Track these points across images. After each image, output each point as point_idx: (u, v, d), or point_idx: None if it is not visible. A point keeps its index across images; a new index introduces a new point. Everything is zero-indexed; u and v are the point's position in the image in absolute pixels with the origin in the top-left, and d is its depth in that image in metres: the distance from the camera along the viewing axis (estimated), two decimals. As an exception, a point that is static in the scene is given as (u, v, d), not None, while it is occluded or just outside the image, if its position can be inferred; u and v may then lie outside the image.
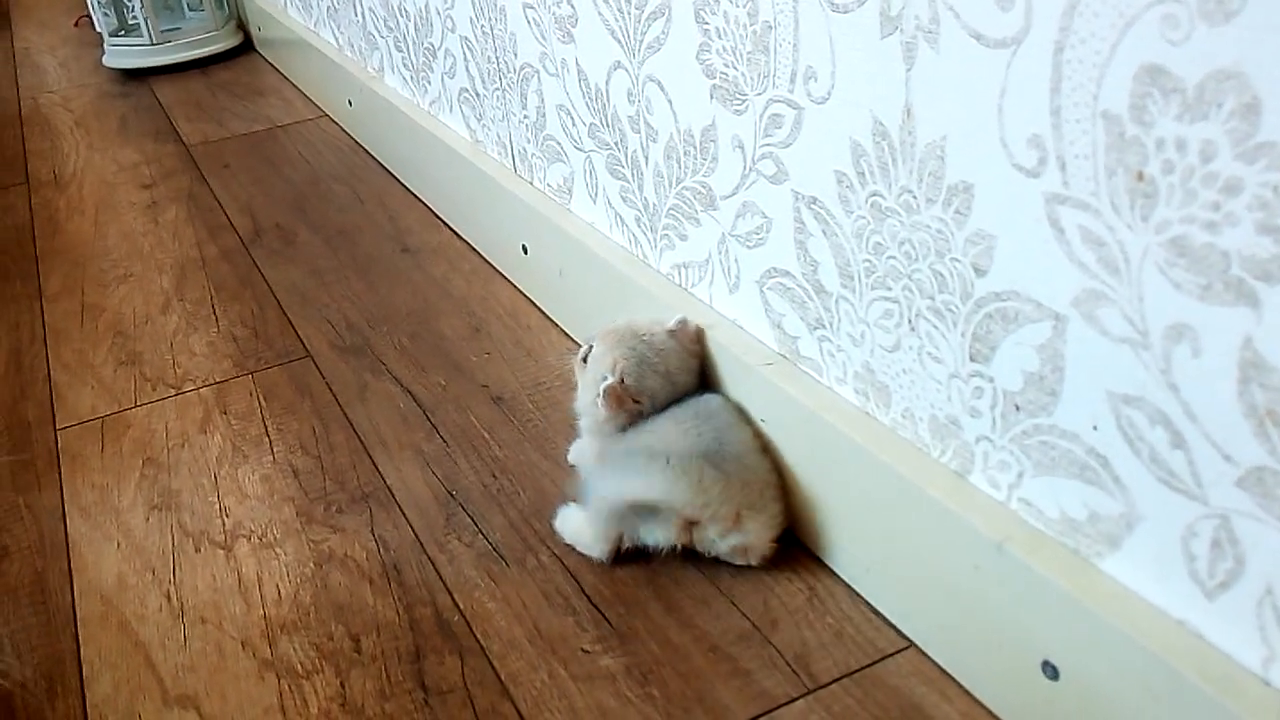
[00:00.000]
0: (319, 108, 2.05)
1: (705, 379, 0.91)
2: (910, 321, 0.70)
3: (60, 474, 1.07)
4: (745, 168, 0.82)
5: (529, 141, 1.20)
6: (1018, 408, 0.64)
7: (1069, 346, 0.59)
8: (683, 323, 0.90)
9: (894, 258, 0.69)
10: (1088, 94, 0.53)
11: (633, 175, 0.99)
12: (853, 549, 0.80)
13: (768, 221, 0.81)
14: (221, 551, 0.94)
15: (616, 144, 1.00)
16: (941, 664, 0.74)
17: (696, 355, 0.91)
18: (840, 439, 0.77)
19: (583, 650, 0.79)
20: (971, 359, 0.66)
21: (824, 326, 0.79)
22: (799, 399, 0.81)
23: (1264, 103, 0.45)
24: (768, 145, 0.78)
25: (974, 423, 0.68)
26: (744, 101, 0.79)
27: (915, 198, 0.65)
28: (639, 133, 0.95)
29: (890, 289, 0.71)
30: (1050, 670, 0.64)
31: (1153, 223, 0.51)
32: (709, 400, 0.88)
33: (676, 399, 0.89)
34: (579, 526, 0.88)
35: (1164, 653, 0.56)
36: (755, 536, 0.82)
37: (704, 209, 0.89)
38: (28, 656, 0.86)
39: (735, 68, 0.78)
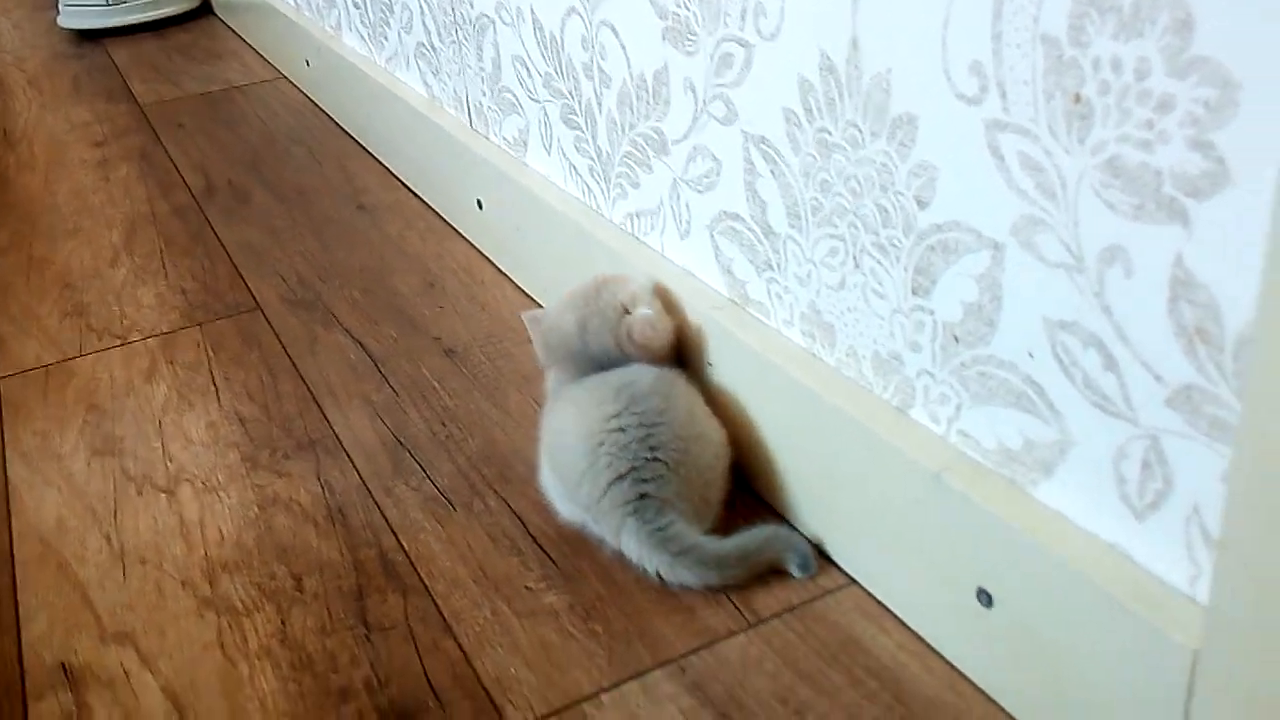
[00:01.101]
0: (276, 69, 2.03)
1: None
2: (855, 258, 0.70)
3: (1, 421, 1.06)
4: (696, 110, 0.82)
5: (485, 94, 1.20)
6: (957, 339, 0.64)
7: (1006, 275, 0.59)
8: (645, 321, 0.84)
9: (840, 194, 0.69)
10: (1028, 17, 0.53)
11: (587, 124, 0.99)
12: (798, 491, 0.81)
13: (718, 164, 0.81)
14: (164, 495, 0.93)
15: (571, 93, 1.00)
16: (881, 599, 0.75)
17: (642, 350, 0.84)
18: (786, 381, 0.78)
19: (526, 588, 0.79)
20: (913, 292, 0.66)
21: (772, 268, 0.79)
22: (747, 342, 0.81)
23: (1195, 17, 0.46)
24: (719, 86, 0.78)
25: (915, 357, 0.68)
26: (695, 42, 0.79)
27: (860, 132, 0.66)
28: (593, 79, 0.95)
29: (836, 226, 0.71)
30: (985, 598, 0.65)
31: (1089, 145, 0.52)
32: (640, 380, 0.80)
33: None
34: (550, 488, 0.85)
35: (1094, 576, 0.57)
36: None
37: (656, 154, 0.89)
38: (-38, 595, 0.84)
39: (687, 7, 0.78)
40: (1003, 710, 0.66)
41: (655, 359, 0.84)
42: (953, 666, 0.70)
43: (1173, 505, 0.54)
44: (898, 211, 0.65)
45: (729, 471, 0.82)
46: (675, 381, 0.82)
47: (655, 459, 0.76)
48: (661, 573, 0.76)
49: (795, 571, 0.77)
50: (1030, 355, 0.60)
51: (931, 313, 0.65)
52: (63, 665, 0.77)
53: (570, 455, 0.79)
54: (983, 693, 0.68)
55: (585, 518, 0.81)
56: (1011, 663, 0.64)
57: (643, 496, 0.76)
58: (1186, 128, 0.47)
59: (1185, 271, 0.50)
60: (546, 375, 0.91)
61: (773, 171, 0.75)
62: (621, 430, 0.77)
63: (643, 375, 0.81)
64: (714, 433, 0.81)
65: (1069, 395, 0.58)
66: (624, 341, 0.83)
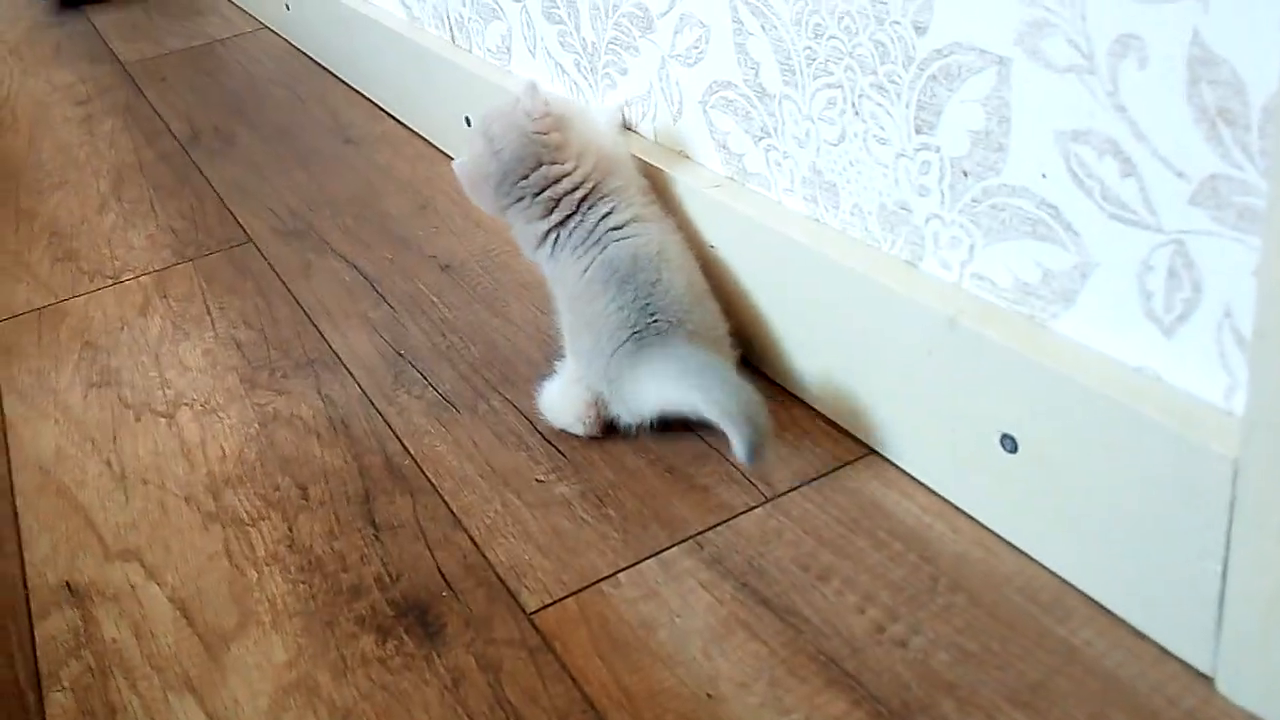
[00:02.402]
0: (257, 20, 1.99)
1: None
2: (854, 105, 0.67)
3: (-5, 363, 1.04)
4: (680, -25, 0.78)
5: (464, 5, 1.16)
6: (965, 173, 0.61)
7: (1014, 91, 0.56)
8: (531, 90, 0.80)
9: (835, 37, 0.66)
10: None
11: (569, 15, 0.96)
12: (810, 364, 0.78)
13: (706, 31, 0.78)
14: (163, 420, 0.91)
15: (551, -16, 0.96)
16: (900, 464, 0.72)
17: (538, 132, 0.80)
18: (792, 249, 0.75)
19: (536, 480, 0.77)
20: (917, 131, 0.63)
21: (769, 134, 0.76)
22: (749, 216, 0.78)
23: None
24: (701, -55, 0.75)
25: (923, 202, 0.65)
26: (675, -100, 0.75)
27: (852, -38, 0.63)
28: (573, -35, 0.92)
29: (832, 73, 0.68)
30: (1009, 443, 0.62)
31: (1093, -73, 0.49)
32: (624, 255, 0.76)
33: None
34: (558, 404, 0.81)
35: (1124, 400, 0.54)
36: None
37: (642, 33, 0.86)
38: (-37, 527, 0.83)
39: None
40: (1032, 559, 0.64)
41: (579, 148, 0.80)
42: (979, 522, 0.67)
43: (1202, 313, 0.52)
44: (896, 43, 0.62)
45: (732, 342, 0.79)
46: (666, 251, 0.77)
47: (655, 320, 0.74)
48: (688, 398, 0.71)
49: (739, 453, 0.69)
50: (1044, 176, 0.57)
51: (937, 150, 0.62)
52: (67, 584, 0.75)
53: (586, 352, 0.77)
54: (1011, 545, 0.65)
55: (610, 396, 0.77)
56: (1041, 507, 0.62)
57: (645, 342, 0.73)
58: (1199, -110, 0.44)
59: (1203, 49, 0.46)
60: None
61: (763, 26, 0.72)
62: (620, 309, 0.75)
63: (621, 254, 0.76)
64: (714, 305, 0.79)
65: (1086, 212, 0.55)
66: (525, 129, 0.79)
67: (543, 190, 0.80)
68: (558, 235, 0.80)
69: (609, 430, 0.79)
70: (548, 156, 0.79)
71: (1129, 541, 0.57)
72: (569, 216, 0.79)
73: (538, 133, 0.79)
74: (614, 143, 0.86)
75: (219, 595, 0.72)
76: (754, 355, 0.83)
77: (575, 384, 0.79)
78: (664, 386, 0.73)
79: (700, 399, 0.70)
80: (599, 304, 0.76)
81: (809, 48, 0.69)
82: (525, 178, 0.80)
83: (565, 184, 0.79)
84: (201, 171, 1.39)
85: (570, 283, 0.79)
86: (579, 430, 0.79)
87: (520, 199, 0.81)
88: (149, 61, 1.88)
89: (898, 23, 0.61)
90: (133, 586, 0.74)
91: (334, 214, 1.22)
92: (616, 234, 0.78)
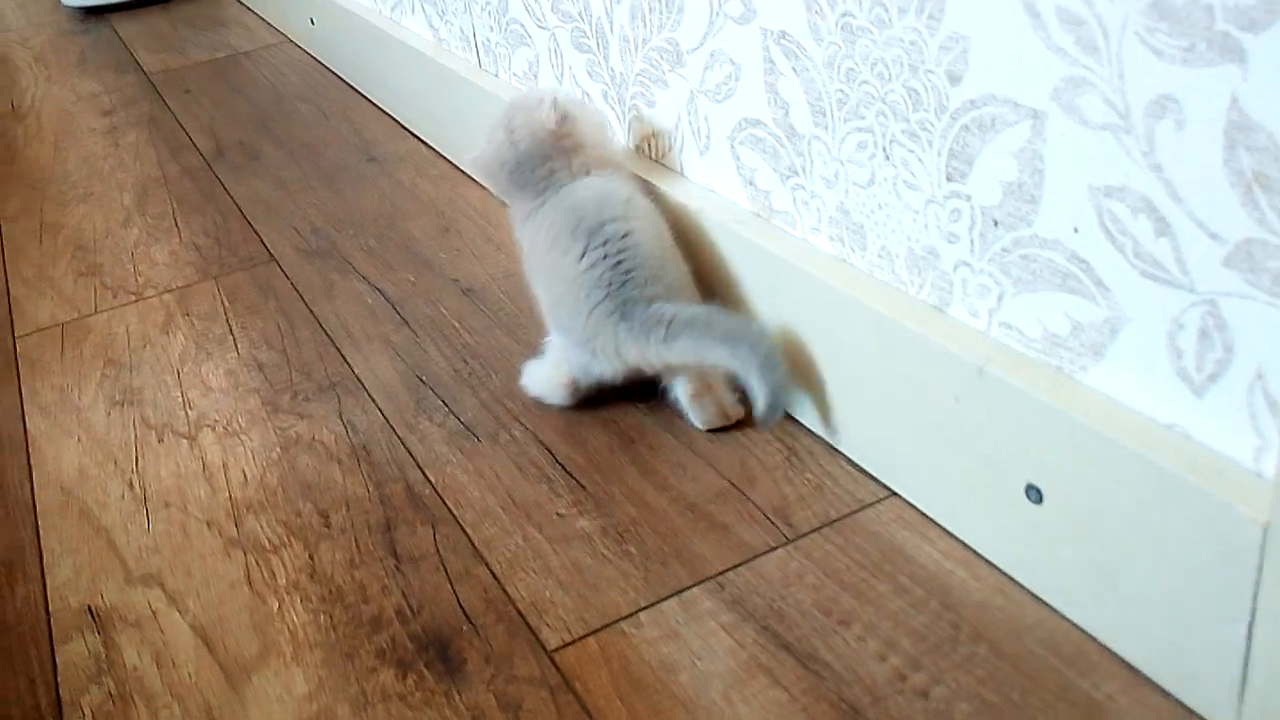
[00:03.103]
0: (281, 33, 2.00)
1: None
2: (885, 150, 0.67)
3: (19, 377, 1.04)
4: (711, 13, 0.79)
5: (492, 29, 1.17)
6: (996, 223, 0.61)
7: (1048, 145, 0.56)
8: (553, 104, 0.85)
9: (867, 82, 0.66)
10: None
11: (598, 45, 0.96)
12: (833, 404, 0.78)
13: (736, 69, 0.78)
14: (185, 441, 0.91)
15: (580, 14, 0.97)
16: (923, 509, 0.72)
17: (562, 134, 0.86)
18: (817, 288, 0.75)
19: (557, 514, 0.77)
20: (948, 179, 0.63)
21: (797, 173, 0.76)
22: (774, 252, 0.78)
23: None
24: (733, -16, 0.75)
25: (952, 249, 0.65)
26: (708, -60, 0.76)
27: (887, 9, 0.63)
28: (602, -3, 0.92)
29: (864, 118, 0.68)
30: (1034, 494, 0.62)
31: (1133, -11, 0.49)
32: (591, 197, 0.82)
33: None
34: (538, 376, 0.88)
35: (1153, 456, 0.54)
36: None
37: (671, 67, 0.86)
38: (-14, 546, 0.83)
39: (697, -97, 0.75)
40: (1055, 611, 0.64)
41: (587, 150, 0.86)
42: (1001, 571, 0.67)
43: (1234, 374, 0.51)
44: (929, 92, 0.62)
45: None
46: (634, 200, 0.83)
47: (630, 279, 0.78)
48: (666, 358, 0.77)
49: (758, 411, 0.75)
50: (1076, 230, 0.57)
51: (968, 198, 0.62)
52: (89, 608, 0.75)
53: (560, 307, 0.82)
54: (1033, 595, 0.65)
55: (592, 360, 0.81)
56: (1065, 559, 0.62)
57: (626, 302, 0.77)
58: (1241, -43, 0.44)
59: (1241, 114, 0.46)
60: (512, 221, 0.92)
61: (794, 68, 0.72)
62: (592, 266, 0.78)
63: (587, 202, 0.81)
64: (682, 264, 0.83)
65: (1118, 268, 0.55)
66: (544, 131, 0.85)
67: (543, 178, 0.86)
68: (543, 203, 0.85)
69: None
70: (557, 155, 0.86)
71: (1154, 598, 0.57)
72: (550, 189, 0.86)
73: (556, 138, 0.85)
74: (614, 147, 0.92)
75: (240, 624, 0.72)
76: (776, 391, 0.83)
77: (557, 366, 0.85)
78: (695, 346, 0.76)
79: (734, 359, 0.75)
80: (570, 258, 0.80)
81: (841, 91, 0.69)
82: (533, 170, 0.86)
83: (562, 174, 0.85)
84: (225, 187, 1.40)
85: (543, 246, 0.83)
86: (559, 400, 0.86)
87: (524, 186, 0.87)
88: (173, 72, 1.89)
89: (931, 72, 0.61)
90: (154, 612, 0.74)
91: (357, 234, 1.22)
92: (584, 180, 0.84)
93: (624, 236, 0.79)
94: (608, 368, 0.81)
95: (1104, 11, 0.50)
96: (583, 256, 0.79)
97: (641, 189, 0.86)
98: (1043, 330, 0.61)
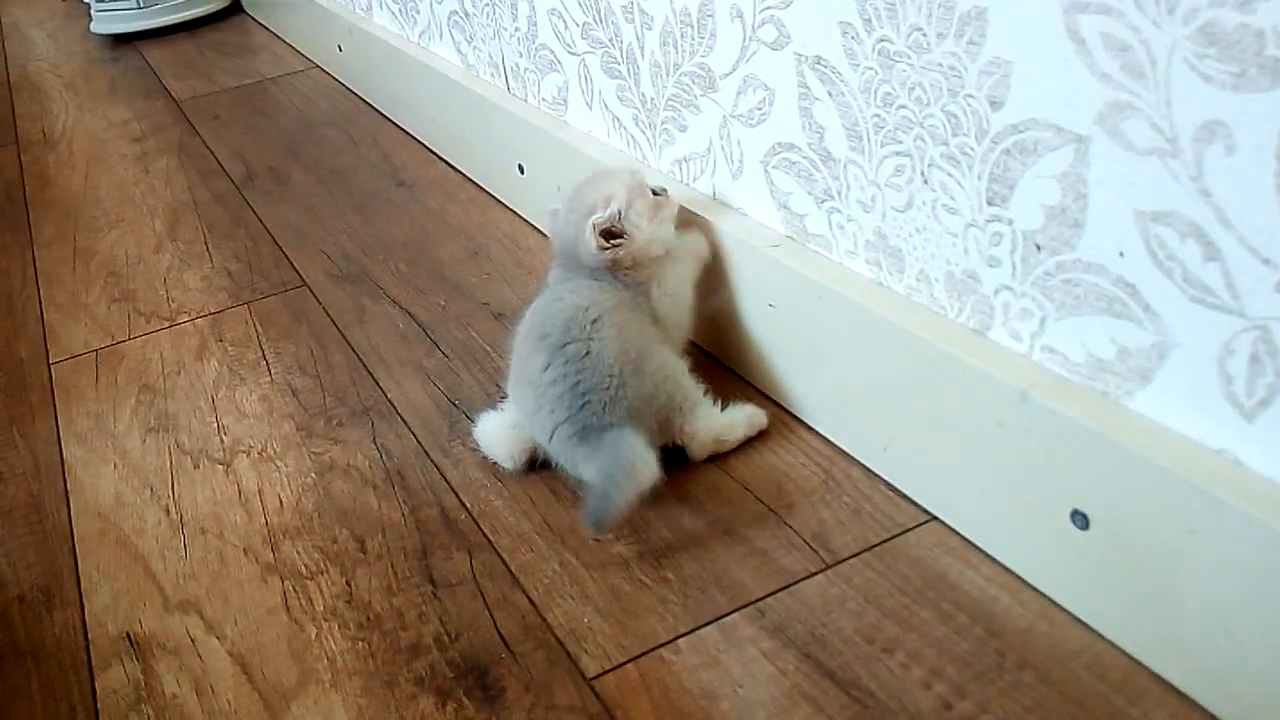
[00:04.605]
0: (309, 59, 2.02)
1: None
2: (923, 174, 0.67)
3: (54, 404, 1.05)
4: (745, 38, 0.79)
5: (521, 55, 1.17)
6: (1039, 247, 0.61)
7: (1092, 170, 0.56)
8: (594, 227, 0.82)
9: (905, 106, 0.66)
10: (1107, -115, 0.50)
11: (629, 71, 0.97)
12: (870, 428, 0.78)
13: (770, 94, 0.78)
14: (221, 467, 0.92)
15: (611, 40, 0.97)
16: (965, 533, 0.72)
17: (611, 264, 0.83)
18: (855, 311, 0.75)
19: (594, 540, 0.77)
20: (989, 203, 0.63)
21: (832, 197, 0.76)
22: (810, 277, 0.78)
23: None
24: (767, 9, 0.75)
25: (993, 273, 0.65)
26: (742, -34, 0.76)
27: (925, 35, 0.63)
28: (633, 23, 0.92)
29: (901, 142, 0.68)
30: (1080, 520, 0.61)
31: (1180, 13, 0.49)
32: (553, 327, 0.79)
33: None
34: (494, 435, 0.85)
35: (1202, 482, 0.54)
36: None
37: (704, 93, 0.86)
38: (24, 573, 0.83)
39: (732, -71, 0.75)
40: (1101, 637, 0.63)
41: (639, 272, 0.83)
42: (1046, 596, 0.66)
43: (1286, 399, 0.51)
44: (969, 116, 0.62)
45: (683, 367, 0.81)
46: (603, 320, 0.78)
47: (587, 403, 0.76)
48: (626, 483, 0.73)
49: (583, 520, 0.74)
50: (1121, 254, 0.56)
51: (1010, 223, 0.62)
52: (128, 635, 0.76)
53: (523, 400, 0.81)
54: (1079, 620, 0.64)
55: (552, 457, 0.81)
56: (1111, 585, 0.61)
57: (585, 428, 0.76)
58: (1292, -19, 0.44)
59: (1295, 140, 0.46)
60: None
61: (830, 93, 0.72)
62: (554, 383, 0.77)
63: (554, 321, 0.79)
64: (656, 346, 0.80)
65: (1166, 293, 0.55)
66: (584, 249, 0.82)
67: (571, 259, 0.85)
68: (550, 283, 0.86)
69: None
70: (591, 260, 0.83)
71: (1202, 625, 0.56)
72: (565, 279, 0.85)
73: (596, 251, 0.82)
74: (665, 239, 0.85)
75: (278, 651, 0.72)
76: (809, 414, 0.83)
77: (514, 429, 0.83)
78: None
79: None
80: (536, 363, 0.79)
81: (877, 115, 0.69)
82: (566, 250, 0.86)
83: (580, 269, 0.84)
84: (255, 212, 1.41)
85: (525, 329, 0.82)
86: (508, 466, 0.84)
87: (563, 258, 0.87)
88: (202, 99, 1.91)
89: (972, 96, 0.61)
90: (193, 640, 0.74)
91: (387, 258, 1.23)
92: (571, 285, 0.82)
93: (583, 358, 0.77)
94: (567, 468, 0.80)
95: (1151, 37, 0.50)
96: (546, 369, 0.78)
97: (629, 301, 0.81)
98: (1087, 355, 0.61)
